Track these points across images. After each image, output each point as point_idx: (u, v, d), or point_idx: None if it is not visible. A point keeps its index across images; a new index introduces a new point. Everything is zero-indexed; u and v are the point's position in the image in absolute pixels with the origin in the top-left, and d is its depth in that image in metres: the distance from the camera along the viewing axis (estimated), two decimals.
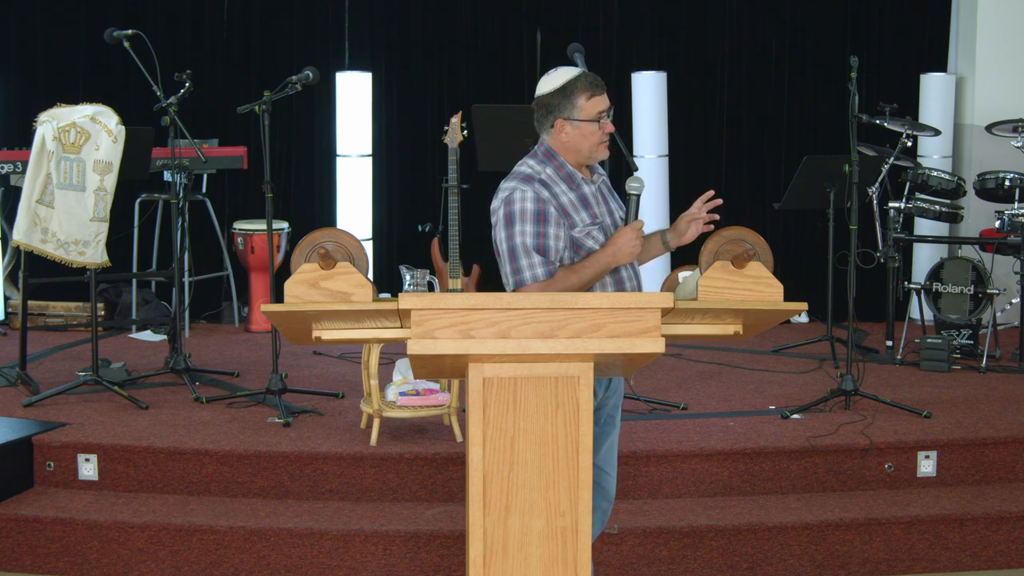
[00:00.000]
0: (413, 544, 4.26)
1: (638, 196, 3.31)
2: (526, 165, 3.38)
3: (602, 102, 3.34)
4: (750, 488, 4.68)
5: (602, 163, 3.65)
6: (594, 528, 3.55)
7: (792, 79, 7.53)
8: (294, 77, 5.15)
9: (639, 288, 3.48)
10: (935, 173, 6.54)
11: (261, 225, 6.74)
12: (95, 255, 5.26)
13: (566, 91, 3.34)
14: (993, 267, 6.40)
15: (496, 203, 3.35)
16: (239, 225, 6.87)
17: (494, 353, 2.76)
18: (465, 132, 5.64)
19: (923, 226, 7.18)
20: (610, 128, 3.36)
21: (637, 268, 3.50)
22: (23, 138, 6.11)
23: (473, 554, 2.86)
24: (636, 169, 4.43)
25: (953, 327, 6.34)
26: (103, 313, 6.86)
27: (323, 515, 4.41)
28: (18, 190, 5.49)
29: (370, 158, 7.27)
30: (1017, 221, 6.16)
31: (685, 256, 7.00)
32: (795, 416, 5.11)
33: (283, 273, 4.28)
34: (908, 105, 7.19)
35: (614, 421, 3.53)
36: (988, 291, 6.24)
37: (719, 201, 3.37)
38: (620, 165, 6.37)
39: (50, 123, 5.17)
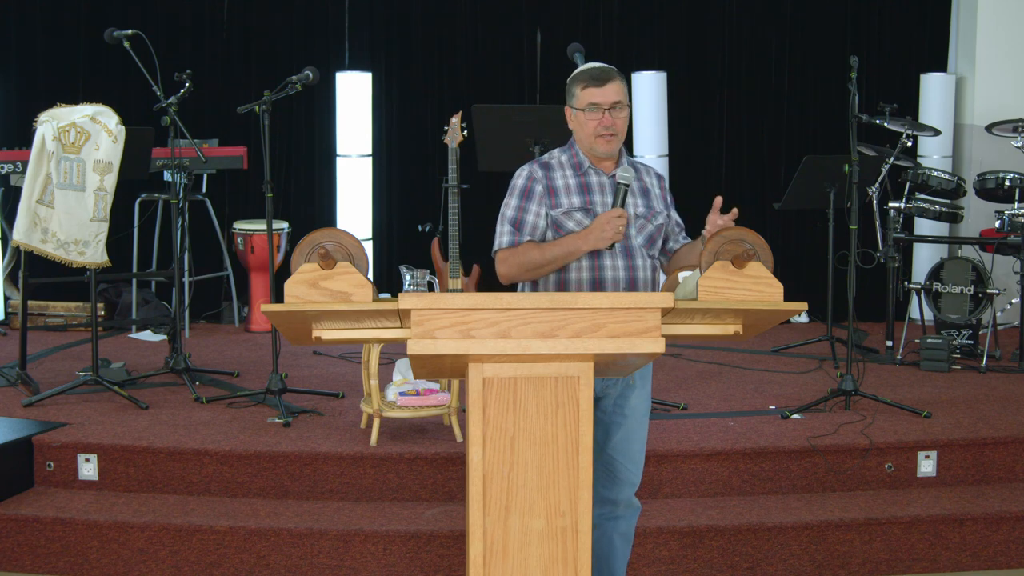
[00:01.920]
0: (413, 544, 4.26)
1: (627, 186, 3.33)
2: (550, 151, 3.57)
3: (595, 94, 3.40)
4: (750, 488, 4.68)
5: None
6: (622, 522, 3.59)
7: (792, 79, 7.53)
8: (294, 77, 5.15)
9: (625, 282, 3.44)
10: (935, 173, 6.54)
11: (261, 225, 6.74)
12: (95, 255, 5.26)
13: (570, 80, 3.49)
14: (993, 267, 6.40)
15: None
16: (239, 225, 6.87)
17: (494, 353, 2.76)
18: (465, 132, 5.64)
19: (923, 226, 7.19)
20: (607, 122, 3.39)
21: (636, 263, 3.45)
22: (23, 138, 6.11)
23: (473, 554, 2.86)
24: None
25: (953, 327, 6.34)
26: (103, 313, 6.86)
27: (323, 515, 4.41)
28: (18, 190, 5.49)
29: (370, 158, 7.27)
30: (1017, 221, 6.16)
31: None
32: (795, 416, 5.11)
33: (283, 273, 4.28)
34: (908, 105, 7.20)
35: (623, 411, 3.52)
36: (988, 291, 6.24)
37: (734, 212, 3.35)
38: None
39: (50, 123, 5.17)
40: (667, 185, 3.64)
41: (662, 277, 3.58)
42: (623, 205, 3.33)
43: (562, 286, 3.43)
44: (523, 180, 3.46)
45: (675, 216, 3.62)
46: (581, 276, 3.41)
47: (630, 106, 3.52)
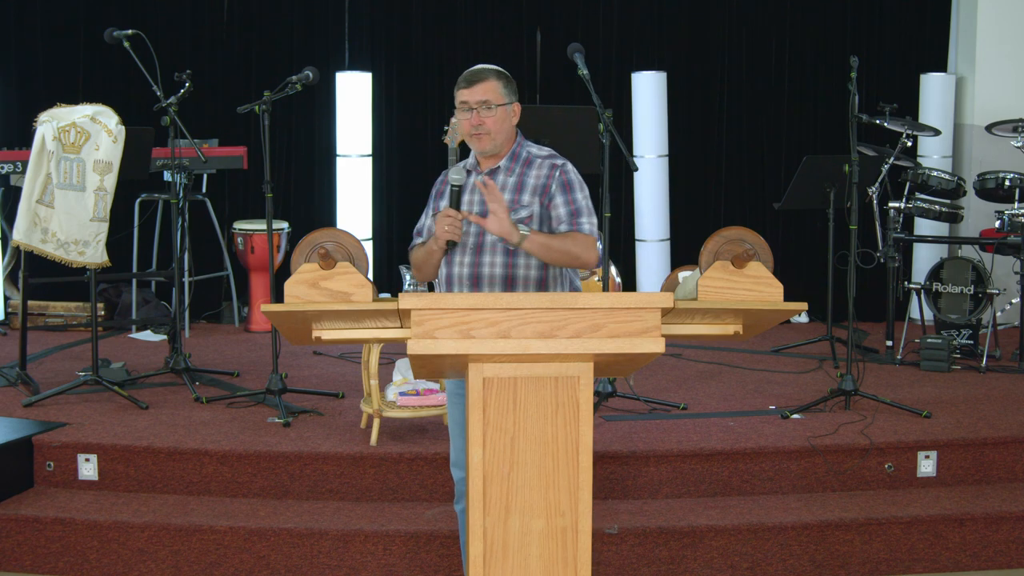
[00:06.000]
0: (413, 544, 4.26)
1: (458, 188, 3.46)
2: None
3: (464, 94, 3.52)
4: (750, 488, 4.68)
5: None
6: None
7: (792, 79, 7.53)
8: (294, 77, 5.15)
9: (502, 279, 3.47)
10: (935, 173, 6.54)
11: (261, 225, 6.74)
12: (95, 255, 5.26)
13: None
14: (993, 267, 6.40)
15: None
16: (239, 225, 6.87)
17: (494, 353, 2.76)
18: None
19: (923, 226, 7.18)
20: (476, 120, 3.48)
21: (516, 261, 3.47)
22: (23, 138, 6.11)
23: (473, 554, 2.86)
24: (636, 169, 4.43)
25: (953, 327, 6.34)
26: (103, 313, 6.86)
27: (323, 515, 4.41)
28: (18, 190, 5.49)
29: (370, 158, 7.27)
30: (1017, 221, 6.16)
31: (685, 256, 7.03)
32: (795, 416, 5.11)
33: (283, 273, 4.28)
34: (908, 105, 7.19)
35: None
36: (988, 291, 6.24)
37: None
38: (620, 165, 6.37)
39: (50, 123, 5.17)
40: (566, 177, 3.50)
41: (566, 273, 3.56)
42: (457, 206, 3.45)
43: (449, 282, 3.56)
44: (436, 185, 3.67)
45: (560, 208, 3.49)
46: (462, 272, 3.52)
47: (510, 104, 3.51)
